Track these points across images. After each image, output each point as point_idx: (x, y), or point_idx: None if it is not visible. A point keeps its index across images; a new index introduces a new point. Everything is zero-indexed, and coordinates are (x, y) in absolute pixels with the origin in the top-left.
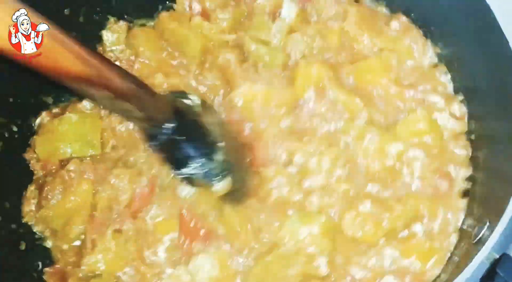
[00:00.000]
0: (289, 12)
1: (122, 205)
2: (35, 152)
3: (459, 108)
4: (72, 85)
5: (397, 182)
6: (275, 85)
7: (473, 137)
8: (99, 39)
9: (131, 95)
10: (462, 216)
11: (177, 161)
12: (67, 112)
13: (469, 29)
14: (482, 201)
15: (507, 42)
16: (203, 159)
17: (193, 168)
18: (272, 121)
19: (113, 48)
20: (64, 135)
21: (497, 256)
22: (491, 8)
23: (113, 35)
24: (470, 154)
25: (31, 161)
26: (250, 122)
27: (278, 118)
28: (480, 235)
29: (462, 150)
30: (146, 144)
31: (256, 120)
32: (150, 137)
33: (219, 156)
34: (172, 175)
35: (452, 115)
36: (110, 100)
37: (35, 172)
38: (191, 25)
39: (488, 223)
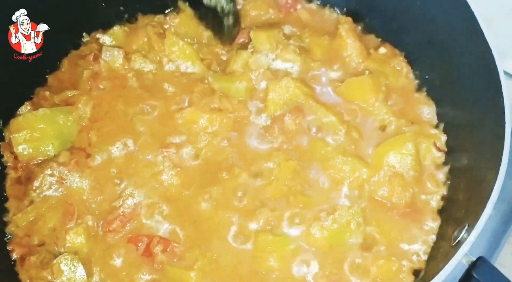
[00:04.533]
0: None
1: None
2: (11, 152)
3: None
4: None
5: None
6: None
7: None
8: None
9: None
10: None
11: None
12: (40, 108)
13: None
14: (463, 204)
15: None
16: None
17: None
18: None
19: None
20: (43, 133)
21: (474, 259)
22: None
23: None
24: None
25: (7, 157)
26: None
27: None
28: (459, 238)
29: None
30: None
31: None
32: None
33: None
34: None
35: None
36: None
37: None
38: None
39: (467, 226)
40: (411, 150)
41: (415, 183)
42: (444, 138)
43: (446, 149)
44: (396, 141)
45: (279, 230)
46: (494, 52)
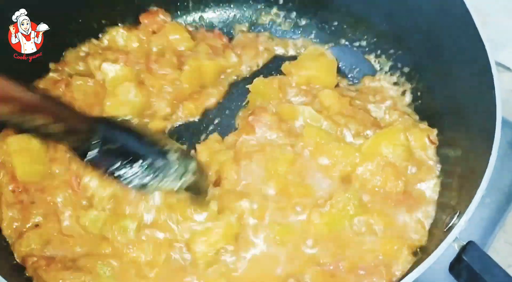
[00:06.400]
0: None
1: None
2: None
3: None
4: None
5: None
6: None
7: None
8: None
9: (39, 106)
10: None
11: (121, 170)
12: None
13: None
14: (456, 193)
15: None
16: (149, 159)
17: (141, 173)
18: None
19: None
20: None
21: (464, 243)
22: None
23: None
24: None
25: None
26: None
27: None
28: (451, 224)
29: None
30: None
31: None
32: (83, 153)
33: (171, 156)
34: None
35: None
36: (17, 116)
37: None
38: None
39: (458, 212)
40: (403, 141)
41: (408, 173)
42: (436, 130)
43: (437, 143)
44: (388, 132)
45: (282, 219)
46: (486, 43)
